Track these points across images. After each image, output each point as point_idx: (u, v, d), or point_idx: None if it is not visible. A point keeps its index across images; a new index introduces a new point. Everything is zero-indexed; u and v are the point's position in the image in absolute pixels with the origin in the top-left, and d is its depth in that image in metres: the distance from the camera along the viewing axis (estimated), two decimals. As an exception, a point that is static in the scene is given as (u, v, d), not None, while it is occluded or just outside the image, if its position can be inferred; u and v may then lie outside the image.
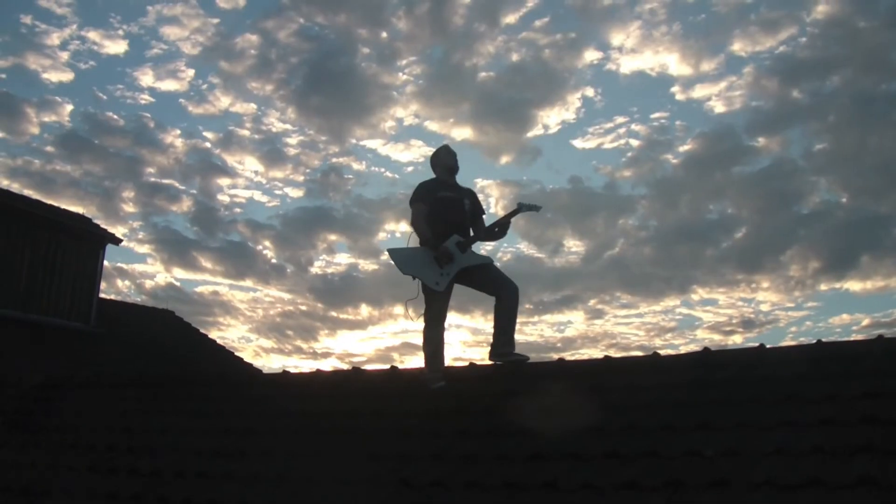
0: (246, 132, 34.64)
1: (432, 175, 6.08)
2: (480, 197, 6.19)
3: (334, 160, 35.97)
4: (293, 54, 33.48)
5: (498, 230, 5.94)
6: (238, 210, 35.65)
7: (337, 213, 33.99)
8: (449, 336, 5.69)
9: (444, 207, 5.77)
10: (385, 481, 4.16)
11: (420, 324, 5.64)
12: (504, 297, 5.63)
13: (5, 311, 13.72)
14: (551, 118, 33.55)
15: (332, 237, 35.19)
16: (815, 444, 3.48)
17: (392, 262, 5.56)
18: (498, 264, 5.84)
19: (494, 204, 31.83)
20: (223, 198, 34.20)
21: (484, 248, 5.96)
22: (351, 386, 6.11)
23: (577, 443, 4.08)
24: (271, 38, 32.93)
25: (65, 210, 16.11)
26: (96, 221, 16.62)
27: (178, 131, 34.92)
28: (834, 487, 3.14)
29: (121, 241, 16.58)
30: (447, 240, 5.61)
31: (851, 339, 4.86)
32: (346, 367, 7.68)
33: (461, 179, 6.11)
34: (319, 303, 34.26)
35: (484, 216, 6.05)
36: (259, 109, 36.72)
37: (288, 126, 37.45)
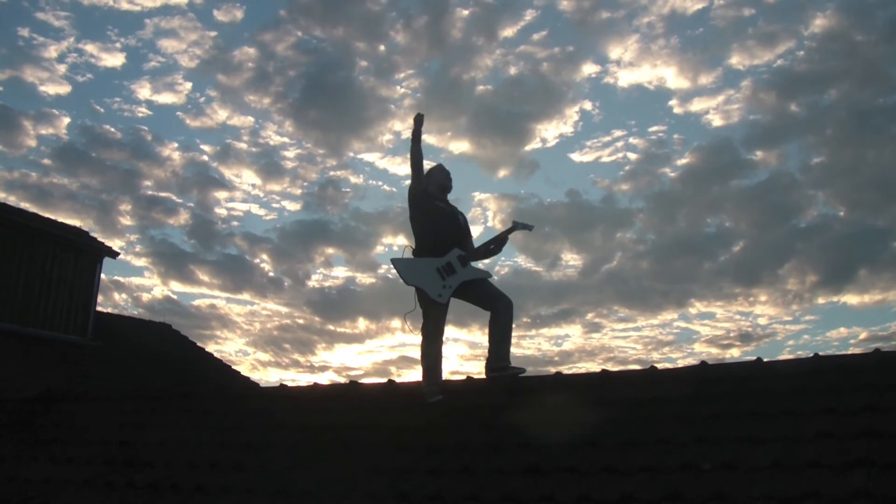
0: (243, 145, 34.76)
1: None
2: (478, 211, 6.27)
3: (332, 173, 36.10)
4: (291, 67, 33.64)
5: (493, 247, 5.99)
6: (235, 223, 35.75)
7: (334, 227, 34.08)
8: (446, 350, 5.70)
9: (442, 218, 5.81)
10: (383, 495, 4.16)
11: (418, 337, 5.65)
12: (499, 311, 5.65)
13: (2, 324, 13.70)
14: (549, 132, 33.75)
15: (330, 250, 35.32)
16: (813, 458, 3.48)
17: (393, 274, 5.60)
18: (496, 278, 5.87)
19: (492, 218, 31.88)
20: (220, 211, 34.30)
21: (482, 262, 5.99)
22: (348, 400, 6.10)
23: (574, 456, 4.08)
24: (269, 51, 33.11)
25: (62, 223, 16.12)
26: (93, 234, 16.64)
27: (176, 144, 35.09)
28: (831, 501, 3.14)
29: (118, 254, 16.59)
30: (448, 252, 5.65)
31: (849, 352, 4.89)
32: (343, 380, 7.68)
33: (458, 195, 6.15)
34: (317, 316, 34.31)
35: (473, 239, 6.09)
36: (257, 122, 36.88)
37: (285, 139, 37.64)
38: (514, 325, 5.70)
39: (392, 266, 5.64)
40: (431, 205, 5.84)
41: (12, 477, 5.51)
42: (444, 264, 5.61)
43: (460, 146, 33.74)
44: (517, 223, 6.03)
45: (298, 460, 4.90)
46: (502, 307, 5.67)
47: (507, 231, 6.00)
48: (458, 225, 5.92)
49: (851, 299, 31.70)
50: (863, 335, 31.85)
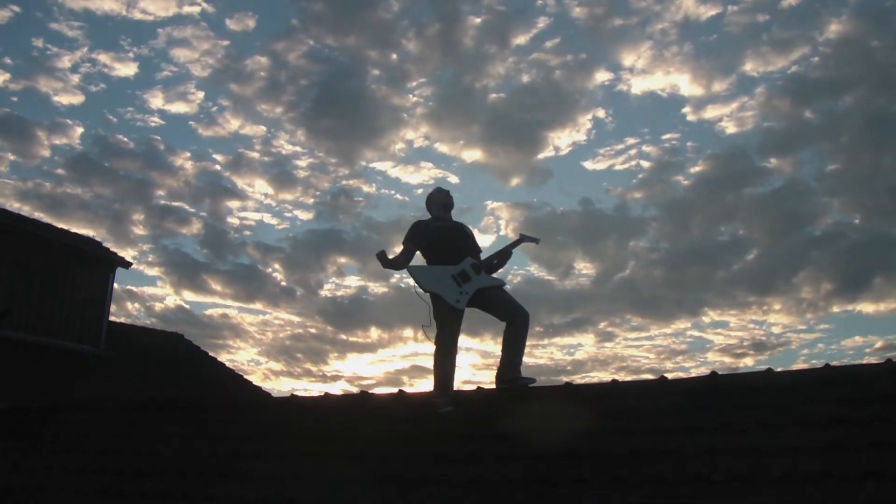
0: (256, 155, 34.92)
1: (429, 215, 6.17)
2: (490, 219, 6.28)
3: (344, 182, 36.22)
4: (303, 76, 33.84)
5: (497, 262, 5.98)
6: (248, 233, 35.90)
7: (346, 236, 34.18)
8: (458, 359, 5.69)
9: (447, 234, 5.84)
10: (392, 505, 4.16)
11: (431, 346, 5.65)
12: (514, 323, 5.64)
13: (16, 333, 13.79)
14: (562, 140, 33.75)
15: (342, 260, 35.37)
16: (823, 470, 3.47)
17: (406, 283, 5.62)
18: (508, 287, 5.86)
19: (504, 226, 31.87)
20: (233, 220, 34.46)
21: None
22: (359, 409, 6.11)
23: (584, 467, 4.07)
24: (281, 60, 33.32)
25: (75, 233, 16.23)
26: (106, 245, 16.73)
27: (188, 154, 35.28)
28: (842, 513, 3.13)
29: (130, 264, 16.68)
30: (462, 262, 5.67)
31: (860, 362, 4.87)
32: (355, 390, 7.69)
33: (471, 203, 6.18)
34: (329, 325, 34.37)
35: (481, 252, 6.09)
36: (269, 132, 37.03)
37: (298, 148, 37.74)
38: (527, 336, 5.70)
39: (408, 273, 5.66)
40: (431, 232, 5.87)
41: (24, 486, 5.54)
42: (458, 271, 5.63)
43: (473, 154, 33.85)
44: (524, 236, 6.04)
45: (309, 470, 4.91)
46: (518, 319, 5.66)
47: (512, 244, 6.01)
48: (467, 236, 5.96)
49: (867, 307, 31.54)
50: (878, 344, 31.66)
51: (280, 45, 34.04)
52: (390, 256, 5.74)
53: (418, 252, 5.89)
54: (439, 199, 6.13)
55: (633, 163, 33.67)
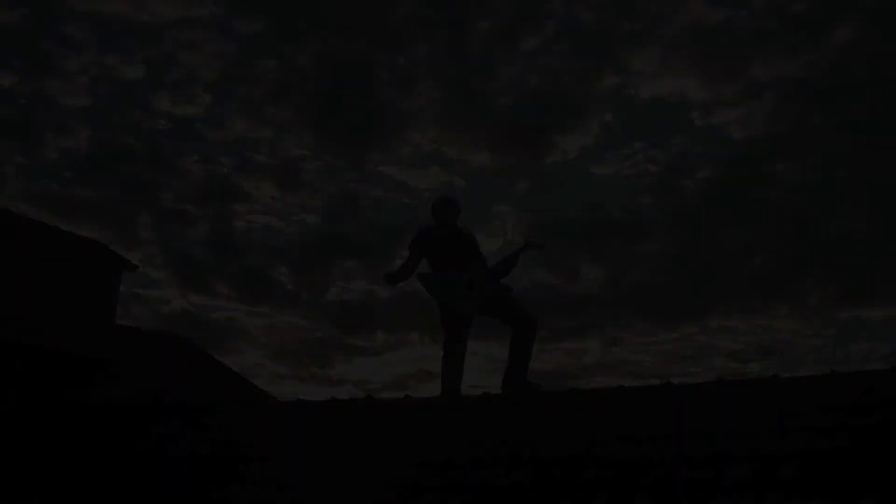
0: (263, 157, 34.90)
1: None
2: (497, 224, 6.30)
3: (351, 186, 36.16)
4: (311, 79, 33.79)
5: (504, 268, 6.00)
6: (254, 236, 35.85)
7: (354, 239, 34.11)
8: (465, 363, 5.69)
9: (453, 240, 5.86)
10: (399, 510, 4.17)
11: (438, 350, 5.67)
12: (522, 329, 5.65)
13: (20, 337, 13.82)
14: (570, 144, 33.66)
15: (349, 263, 35.28)
16: (829, 476, 3.47)
17: (413, 288, 5.64)
18: (514, 292, 5.88)
19: (511, 231, 31.83)
20: (239, 223, 34.41)
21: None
22: (364, 414, 6.12)
23: (590, 473, 4.07)
24: (289, 63, 33.29)
25: (81, 236, 16.24)
26: (112, 248, 16.74)
27: (195, 156, 35.23)
28: (849, 520, 3.13)
29: (137, 266, 16.68)
30: (470, 269, 5.69)
31: (867, 369, 4.86)
32: (361, 394, 7.69)
33: (478, 208, 6.20)
34: (335, 329, 34.28)
35: (486, 261, 6.11)
36: (276, 135, 36.99)
37: (305, 151, 37.68)
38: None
39: (418, 281, 5.69)
40: (436, 232, 5.89)
41: (28, 492, 5.56)
42: (467, 279, 5.65)
43: (480, 158, 33.83)
44: (529, 242, 6.06)
45: (314, 475, 4.92)
46: (526, 325, 5.67)
47: (518, 250, 6.03)
48: (473, 242, 5.98)
49: (874, 313, 31.36)
50: (885, 350, 31.47)
51: (288, 47, 34.06)
52: (397, 261, 5.78)
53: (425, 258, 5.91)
54: (446, 205, 6.15)
55: (641, 167, 33.60)
